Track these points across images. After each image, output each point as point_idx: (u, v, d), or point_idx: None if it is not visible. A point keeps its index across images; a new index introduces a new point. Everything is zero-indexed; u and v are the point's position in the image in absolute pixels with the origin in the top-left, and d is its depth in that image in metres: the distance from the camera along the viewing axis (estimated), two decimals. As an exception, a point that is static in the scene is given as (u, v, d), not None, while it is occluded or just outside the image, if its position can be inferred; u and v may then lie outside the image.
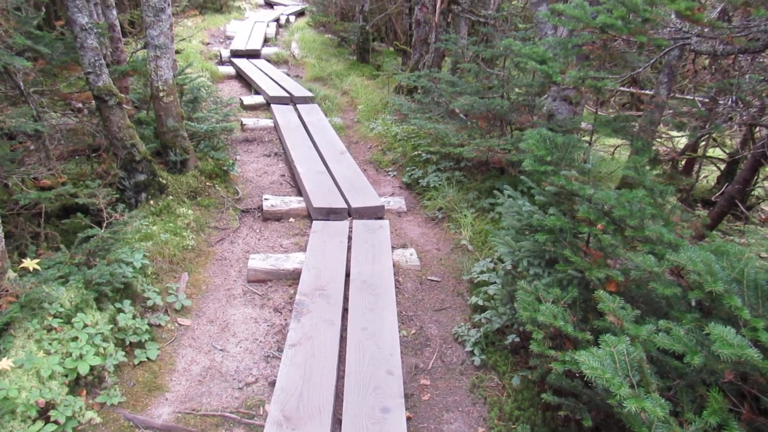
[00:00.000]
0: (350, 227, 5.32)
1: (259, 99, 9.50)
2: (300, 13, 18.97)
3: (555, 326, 2.68)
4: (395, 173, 7.05)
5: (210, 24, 17.00)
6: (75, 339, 3.40)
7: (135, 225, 4.95)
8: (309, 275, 4.51)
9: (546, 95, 6.71)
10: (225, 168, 6.26)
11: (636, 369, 2.15)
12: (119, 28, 7.06)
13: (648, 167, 4.59)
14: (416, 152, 6.89)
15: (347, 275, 4.59)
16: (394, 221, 5.83)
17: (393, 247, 5.15)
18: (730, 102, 5.64)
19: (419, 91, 7.31)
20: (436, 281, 4.77)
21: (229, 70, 11.71)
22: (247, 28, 15.09)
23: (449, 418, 3.41)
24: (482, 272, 4.46)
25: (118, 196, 5.32)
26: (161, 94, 5.75)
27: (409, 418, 3.34)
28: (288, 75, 11.90)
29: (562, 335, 2.83)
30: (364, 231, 5.19)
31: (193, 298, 4.46)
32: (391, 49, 13.98)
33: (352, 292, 4.32)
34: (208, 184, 6.02)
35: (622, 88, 9.12)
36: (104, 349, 3.52)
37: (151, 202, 5.47)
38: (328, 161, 6.79)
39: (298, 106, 9.00)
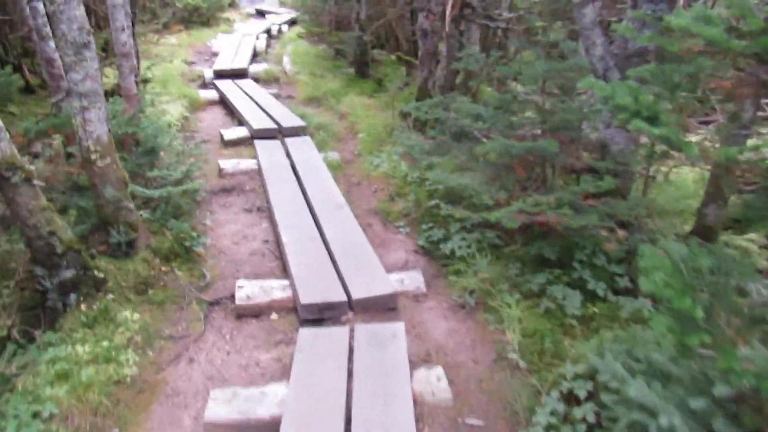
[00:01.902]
0: (351, 335, 3.85)
1: (242, 132, 8.06)
2: (293, 22, 17.54)
3: None
4: (408, 230, 5.57)
5: (196, 39, 15.59)
6: None
7: (48, 355, 3.54)
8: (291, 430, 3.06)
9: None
10: (188, 244, 4.81)
11: None
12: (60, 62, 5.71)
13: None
14: (433, 201, 5.41)
15: (347, 423, 3.13)
16: (411, 310, 4.36)
17: (411, 361, 3.67)
18: None
19: (432, 124, 5.82)
20: (478, 427, 3.29)
21: (212, 94, 10.30)
22: (234, 43, 13.68)
23: None
24: (551, 428, 2.96)
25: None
26: (93, 157, 4.31)
27: None
28: (278, 96, 10.47)
29: None
30: (371, 346, 3.70)
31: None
32: (393, 57, 12.50)
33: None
34: (164, 269, 4.59)
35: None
36: None
37: (83, 306, 4.04)
38: (321, 221, 5.34)
39: (288, 140, 7.54)
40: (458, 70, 6.67)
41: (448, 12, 6.31)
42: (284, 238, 4.98)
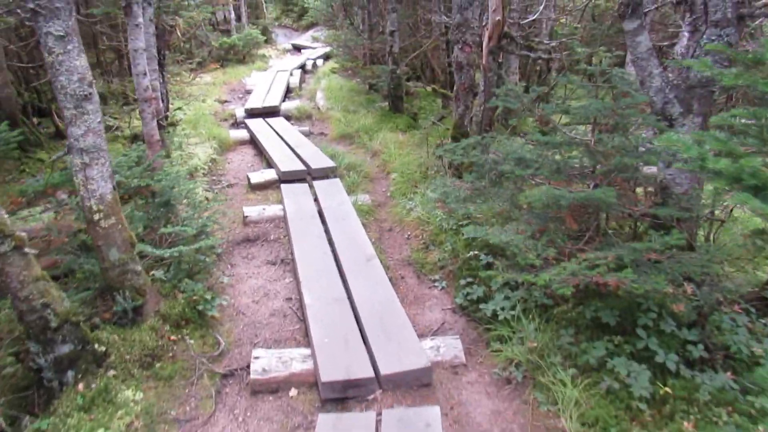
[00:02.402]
0: (378, 425, 3.31)
1: (270, 174, 7.70)
2: (328, 56, 17.40)
3: None
4: (444, 284, 5.03)
5: (231, 77, 15.59)
6: None
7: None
8: None
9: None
10: (201, 308, 4.38)
11: None
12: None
13: None
14: (472, 252, 4.86)
15: None
16: (448, 385, 3.78)
17: (450, 456, 3.10)
18: None
19: (468, 167, 5.28)
20: None
21: (243, 134, 10.06)
22: (268, 80, 13.54)
23: None
24: None
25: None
26: (97, 217, 3.95)
27: None
28: (310, 133, 10.15)
29: None
30: (401, 440, 3.15)
31: None
32: (429, 89, 12.09)
33: None
34: (173, 338, 4.15)
35: None
36: None
37: (81, 385, 3.64)
38: (349, 277, 4.85)
39: (316, 183, 7.13)
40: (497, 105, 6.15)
41: (485, 44, 5.83)
42: (306, 299, 4.50)
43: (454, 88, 6.63)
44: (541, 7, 6.88)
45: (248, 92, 13.42)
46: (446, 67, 11.33)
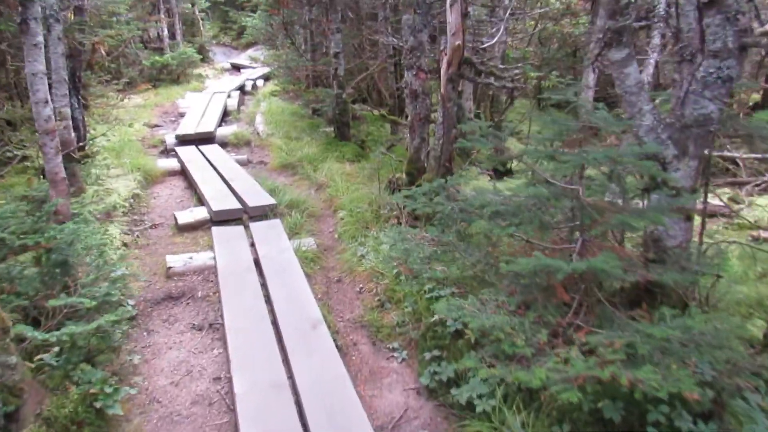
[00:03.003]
0: None
1: (201, 213, 6.76)
2: (269, 77, 16.51)
3: None
4: (405, 354, 4.25)
5: (164, 99, 14.47)
6: None
7: None
8: None
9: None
10: (100, 404, 3.43)
11: None
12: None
13: None
14: (437, 316, 4.10)
15: None
16: (418, 506, 2.99)
17: None
18: None
19: (431, 219, 4.52)
20: None
21: (172, 163, 9.05)
22: (203, 103, 12.54)
23: None
24: None
25: None
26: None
27: None
28: (249, 162, 9.28)
29: None
30: None
31: None
32: (376, 113, 11.40)
33: None
34: (59, 450, 3.20)
35: None
36: None
37: None
38: (290, 350, 4.00)
39: (253, 225, 6.24)
40: (457, 137, 5.48)
41: (443, 70, 5.16)
42: (237, 387, 3.63)
43: (409, 118, 5.93)
44: (500, 31, 6.29)
45: (181, 115, 12.39)
46: (394, 91, 10.69)
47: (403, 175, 6.10)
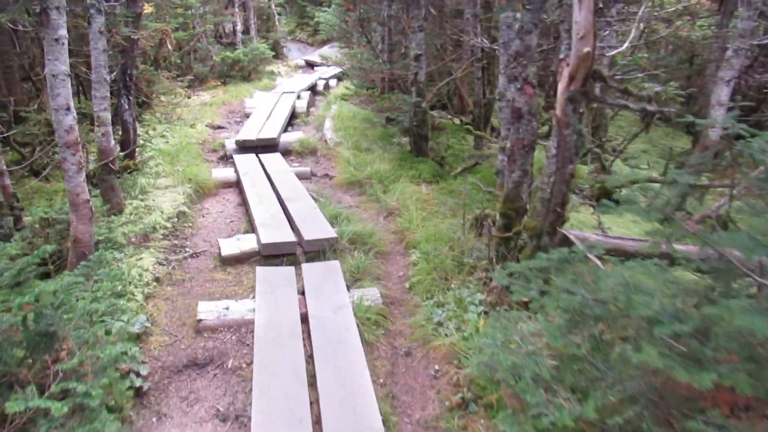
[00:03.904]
0: None
1: (248, 243, 5.69)
2: (341, 77, 15.47)
3: None
4: (499, 499, 2.96)
5: (232, 96, 13.68)
6: None
7: None
8: None
9: None
10: None
11: None
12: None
13: None
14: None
15: None
16: None
17: None
18: None
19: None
20: None
21: (229, 173, 8.12)
22: (269, 104, 11.61)
23: None
24: None
25: None
26: None
27: None
28: (312, 176, 8.20)
29: None
30: None
31: None
32: (457, 121, 10.07)
33: None
34: None
35: None
36: None
37: None
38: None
39: (306, 267, 5.10)
40: (573, 175, 4.12)
41: (561, 86, 3.83)
42: None
43: (509, 144, 4.60)
44: (632, 34, 4.83)
45: (247, 115, 11.52)
46: (480, 99, 9.32)
47: (496, 215, 4.79)
